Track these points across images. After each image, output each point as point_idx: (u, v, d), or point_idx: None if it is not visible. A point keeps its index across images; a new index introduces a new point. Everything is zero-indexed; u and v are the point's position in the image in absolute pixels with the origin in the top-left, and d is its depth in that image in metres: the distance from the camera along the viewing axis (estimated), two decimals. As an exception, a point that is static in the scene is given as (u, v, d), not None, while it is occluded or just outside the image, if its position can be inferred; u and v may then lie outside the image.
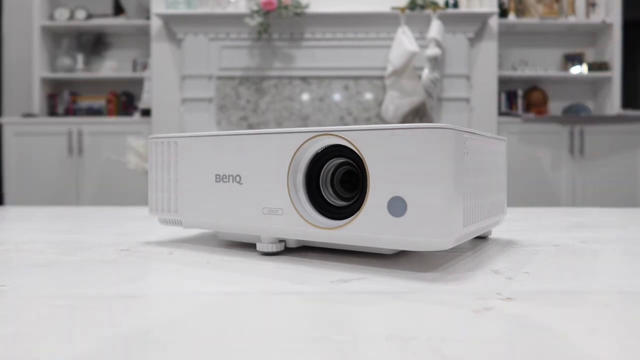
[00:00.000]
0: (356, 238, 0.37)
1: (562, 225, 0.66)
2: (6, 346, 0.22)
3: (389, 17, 2.62)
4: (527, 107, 2.88)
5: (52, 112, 2.95)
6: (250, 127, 2.67)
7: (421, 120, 2.58)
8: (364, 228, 0.36)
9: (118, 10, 2.95)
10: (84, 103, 2.98)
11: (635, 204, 2.59)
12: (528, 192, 2.58)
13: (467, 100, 2.68)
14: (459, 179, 0.34)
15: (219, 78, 2.68)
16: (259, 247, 0.42)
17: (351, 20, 2.63)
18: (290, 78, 2.69)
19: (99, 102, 2.97)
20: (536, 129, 2.64)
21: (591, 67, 2.85)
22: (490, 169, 0.43)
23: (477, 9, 2.67)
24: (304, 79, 2.69)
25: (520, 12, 2.86)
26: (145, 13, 2.88)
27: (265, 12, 2.54)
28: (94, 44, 2.99)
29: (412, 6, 2.60)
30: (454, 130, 0.34)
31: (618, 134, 2.64)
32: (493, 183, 0.44)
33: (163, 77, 2.74)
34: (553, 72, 2.89)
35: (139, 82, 2.90)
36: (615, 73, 2.77)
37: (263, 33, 2.57)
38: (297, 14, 2.55)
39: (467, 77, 2.68)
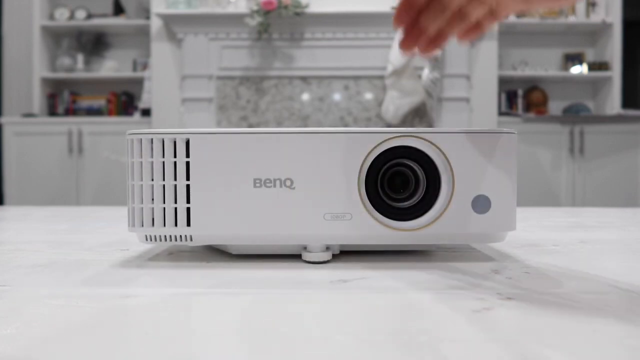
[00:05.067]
0: (443, 236, 0.39)
1: (562, 225, 0.66)
2: (6, 346, 0.22)
3: (389, 17, 2.62)
4: (527, 107, 2.88)
5: (52, 112, 2.94)
6: (250, 127, 2.67)
7: (421, 120, 2.58)
8: (450, 226, 0.38)
9: (118, 10, 2.95)
10: (84, 103, 2.98)
11: (635, 204, 2.59)
12: (528, 192, 2.58)
13: (467, 100, 2.67)
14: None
15: (219, 78, 2.68)
16: (308, 257, 0.39)
17: (351, 20, 2.63)
18: (290, 78, 2.69)
19: (99, 102, 2.97)
20: (536, 129, 2.64)
21: (591, 67, 2.85)
22: None
23: (477, 8, 2.66)
24: (304, 79, 2.69)
25: (520, 12, 2.85)
26: (145, 13, 2.88)
27: (265, 12, 2.54)
28: (94, 44, 2.99)
29: (412, 6, 2.60)
30: (516, 134, 0.39)
31: (618, 134, 2.64)
32: None
33: (163, 77, 2.74)
34: (553, 72, 2.89)
35: (139, 82, 2.90)
36: (615, 73, 2.77)
37: (263, 33, 2.57)
38: (297, 14, 2.55)
39: (467, 77, 2.67)
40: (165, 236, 0.39)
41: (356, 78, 2.68)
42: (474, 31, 0.41)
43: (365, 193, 0.38)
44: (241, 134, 0.38)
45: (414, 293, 0.31)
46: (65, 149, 2.72)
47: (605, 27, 2.83)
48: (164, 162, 0.38)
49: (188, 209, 0.38)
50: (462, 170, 0.38)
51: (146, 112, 2.77)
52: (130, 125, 2.72)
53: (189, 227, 0.38)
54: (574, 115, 2.76)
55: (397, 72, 2.51)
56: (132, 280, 0.35)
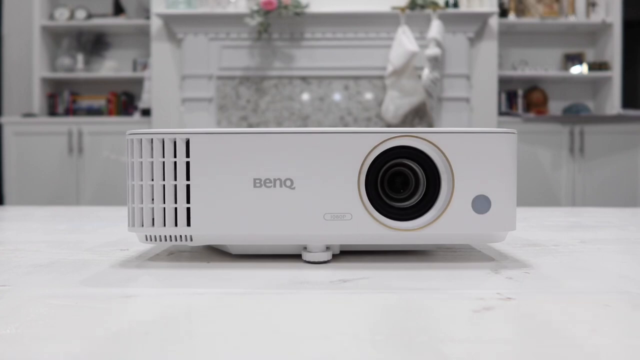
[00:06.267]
0: (443, 236, 0.38)
1: (562, 225, 0.66)
2: (6, 346, 0.22)
3: (389, 17, 2.62)
4: (527, 107, 2.88)
5: (52, 112, 2.94)
6: (250, 127, 2.67)
7: (421, 120, 2.58)
8: (450, 226, 0.38)
9: (118, 10, 2.95)
10: (84, 103, 2.98)
11: (635, 204, 2.59)
12: (528, 192, 2.58)
13: (467, 100, 2.67)
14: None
15: (219, 78, 2.68)
16: (308, 257, 0.39)
17: (351, 20, 2.63)
18: (290, 78, 2.69)
19: (99, 102, 2.97)
20: (536, 129, 2.64)
21: (591, 67, 2.85)
22: None
23: (477, 8, 2.67)
24: (304, 79, 2.69)
25: (520, 12, 2.85)
26: (145, 13, 2.88)
27: (265, 12, 2.54)
28: (94, 44, 2.99)
29: (412, 6, 2.60)
30: (516, 134, 0.39)
31: (618, 134, 2.64)
32: None
33: (163, 77, 2.74)
34: (553, 72, 2.89)
35: (139, 82, 2.90)
36: (615, 73, 2.77)
37: (263, 33, 2.57)
38: (297, 14, 2.55)
39: (467, 77, 2.67)
40: (165, 236, 0.39)
41: (356, 78, 2.68)
42: None
43: (365, 193, 0.38)
44: (241, 134, 0.38)
45: (414, 293, 0.31)
46: (65, 149, 2.72)
47: (605, 27, 2.83)
48: (164, 162, 0.38)
49: (188, 209, 0.38)
50: (462, 170, 0.38)
51: (146, 112, 2.77)
52: (130, 125, 2.72)
53: (189, 227, 0.38)
54: (574, 115, 2.76)
55: (397, 72, 2.51)
56: (132, 280, 0.35)
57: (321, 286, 0.32)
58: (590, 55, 2.96)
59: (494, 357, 0.21)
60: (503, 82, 2.83)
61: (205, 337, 0.23)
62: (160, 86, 2.73)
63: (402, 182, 0.40)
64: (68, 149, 2.71)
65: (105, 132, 2.72)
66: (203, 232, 0.38)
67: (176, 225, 0.38)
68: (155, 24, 2.73)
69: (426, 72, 2.51)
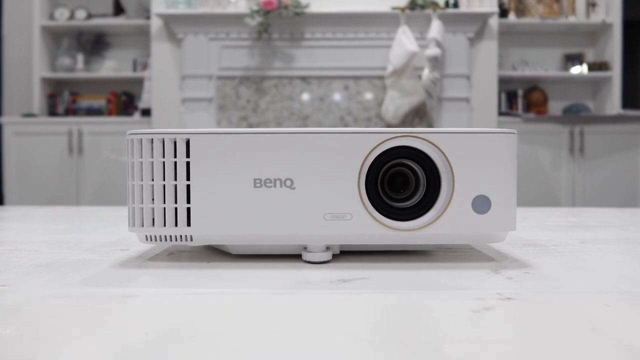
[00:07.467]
0: (443, 236, 0.38)
1: (562, 225, 0.66)
2: (6, 346, 0.22)
3: (389, 17, 2.62)
4: (527, 107, 2.88)
5: (52, 112, 2.94)
6: (250, 127, 2.67)
7: (421, 120, 2.58)
8: (450, 226, 0.38)
9: (118, 10, 2.95)
10: (84, 103, 2.98)
11: (635, 204, 2.59)
12: (528, 192, 2.58)
13: (467, 100, 2.67)
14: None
15: (219, 78, 2.68)
16: (308, 257, 0.39)
17: (351, 20, 2.63)
18: (290, 78, 2.69)
19: (99, 102, 2.97)
20: (536, 129, 2.64)
21: (591, 67, 2.85)
22: None
23: (477, 9, 2.67)
24: (304, 79, 2.69)
25: (520, 12, 2.85)
26: (145, 13, 2.88)
27: (265, 12, 2.54)
28: (94, 44, 2.99)
29: (412, 6, 2.60)
30: (516, 134, 0.39)
31: (618, 134, 2.64)
32: None
33: (163, 77, 2.74)
34: (553, 72, 2.89)
35: (139, 82, 2.90)
36: (615, 73, 2.77)
37: (263, 33, 2.57)
38: (297, 14, 2.55)
39: (467, 77, 2.67)
40: (165, 236, 0.39)
41: (356, 78, 2.68)
42: None
43: (365, 193, 0.38)
44: (241, 134, 0.38)
45: (414, 293, 0.31)
46: (65, 149, 2.72)
47: (605, 27, 2.83)
48: (164, 162, 0.38)
49: (188, 209, 0.38)
50: (462, 170, 0.38)
51: (146, 112, 2.77)
52: (130, 125, 2.72)
53: (189, 227, 0.38)
54: (574, 115, 2.76)
55: (397, 72, 2.51)
56: (132, 280, 0.35)
57: (321, 286, 0.32)
58: (590, 55, 2.96)
59: (494, 357, 0.21)
60: (503, 82, 2.83)
61: (205, 337, 0.23)
62: (160, 86, 2.73)
63: (402, 182, 0.40)
64: (68, 149, 2.71)
65: (105, 132, 2.72)
66: (203, 232, 0.38)
67: (176, 225, 0.38)
68: (155, 24, 2.73)
69: (426, 72, 2.51)
